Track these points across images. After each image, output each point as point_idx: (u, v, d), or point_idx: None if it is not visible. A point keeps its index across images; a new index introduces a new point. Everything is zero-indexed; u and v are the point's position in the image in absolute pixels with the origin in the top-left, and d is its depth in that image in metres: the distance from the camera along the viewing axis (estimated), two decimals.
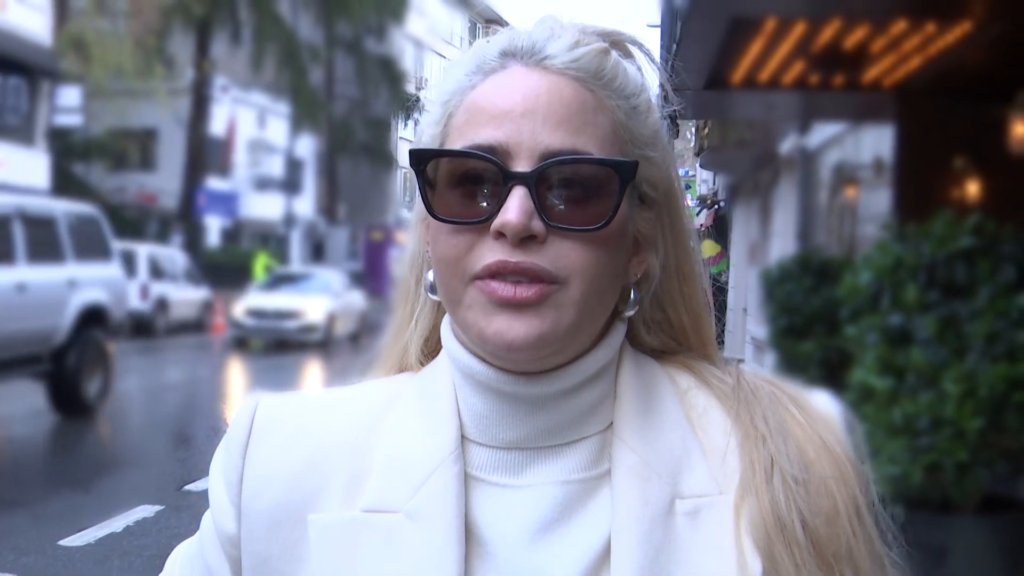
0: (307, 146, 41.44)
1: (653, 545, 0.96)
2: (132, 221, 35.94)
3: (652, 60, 1.08)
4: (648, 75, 1.08)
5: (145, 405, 14.53)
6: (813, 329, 9.09)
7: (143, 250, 27.51)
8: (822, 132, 14.24)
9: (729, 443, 1.02)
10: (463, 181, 0.98)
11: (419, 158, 1.00)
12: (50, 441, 11.73)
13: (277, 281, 26.73)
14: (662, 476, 0.99)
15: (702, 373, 1.08)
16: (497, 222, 0.94)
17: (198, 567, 1.09)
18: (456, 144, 0.99)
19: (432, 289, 1.05)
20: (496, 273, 0.95)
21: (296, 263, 37.16)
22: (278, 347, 23.71)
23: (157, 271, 26.96)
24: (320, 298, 24.42)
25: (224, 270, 32.00)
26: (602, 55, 1.02)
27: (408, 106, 1.15)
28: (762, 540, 0.97)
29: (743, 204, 22.81)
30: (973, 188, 9.03)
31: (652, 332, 1.09)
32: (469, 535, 0.98)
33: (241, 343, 24.21)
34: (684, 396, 1.06)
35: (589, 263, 0.96)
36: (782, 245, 16.73)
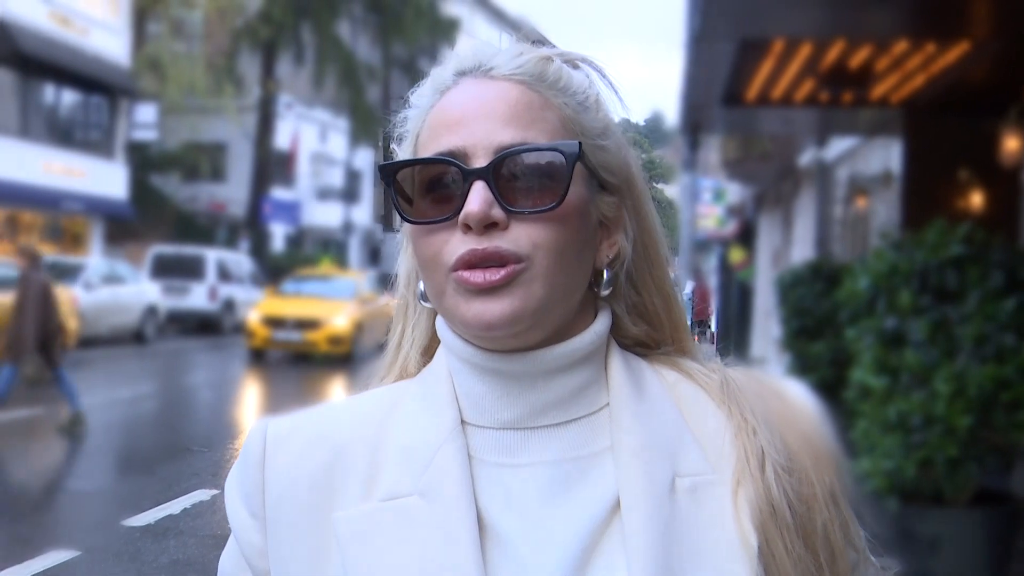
0: (365, 158, 41.65)
1: (663, 517, 0.97)
2: (203, 228, 36.31)
3: (603, 76, 1.09)
4: (604, 93, 1.09)
5: (209, 396, 14.66)
6: (823, 331, 9.03)
7: (212, 255, 27.81)
8: (838, 145, 14.14)
9: (723, 433, 1.02)
10: (432, 187, 1.00)
11: (386, 172, 1.02)
12: (121, 428, 11.87)
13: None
14: (662, 455, 1.00)
15: (686, 368, 1.08)
16: (462, 215, 0.96)
17: None
18: (423, 156, 1.01)
19: (424, 297, 1.06)
20: (468, 262, 0.97)
21: (355, 267, 37.34)
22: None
23: (225, 274, 27.23)
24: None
25: (287, 273, 32.23)
26: (544, 61, 1.04)
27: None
28: (757, 520, 0.98)
29: (767, 213, 22.75)
30: (976, 199, 8.93)
31: (633, 319, 1.09)
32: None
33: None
34: (672, 388, 1.06)
35: (549, 239, 0.98)
36: (802, 252, 16.63)
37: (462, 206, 0.97)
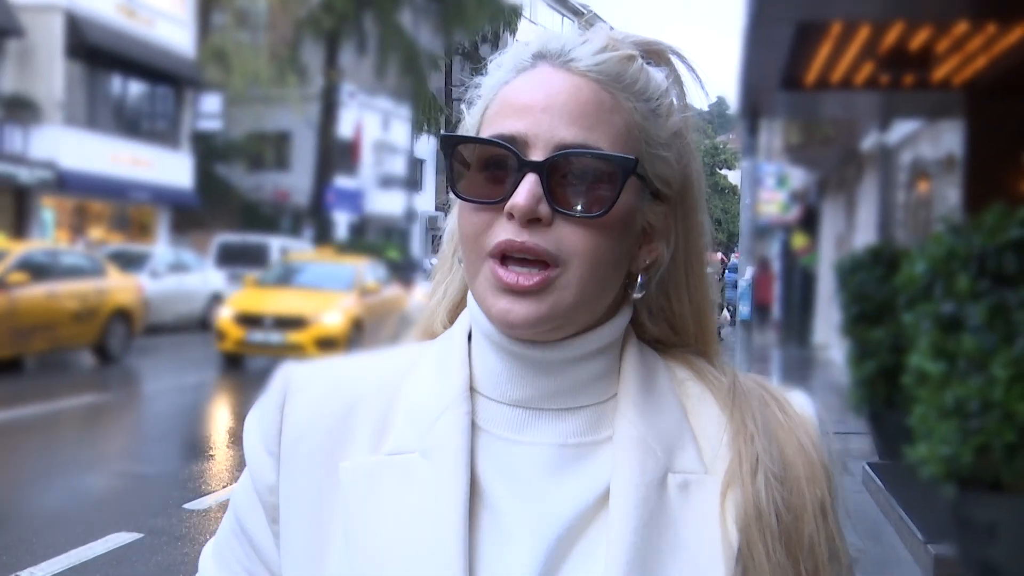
0: (427, 147, 41.69)
1: (648, 510, 1.00)
2: (268, 216, 36.66)
3: (691, 68, 1.10)
4: (688, 82, 1.10)
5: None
6: (883, 317, 8.92)
7: (276, 243, 28.07)
8: (900, 129, 13.92)
9: (722, 435, 1.05)
10: (487, 166, 1.02)
11: (447, 143, 1.04)
12: (186, 414, 12.07)
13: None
14: (658, 451, 1.03)
15: (698, 367, 1.11)
16: (509, 203, 0.98)
17: (235, 543, 1.13)
18: (487, 132, 1.03)
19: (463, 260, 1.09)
20: (504, 251, 0.99)
21: (418, 254, 37.42)
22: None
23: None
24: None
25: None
26: (626, 61, 1.04)
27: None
28: (742, 523, 1.00)
29: (831, 199, 22.50)
30: None
31: (654, 319, 1.12)
32: (472, 479, 1.02)
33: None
34: (680, 385, 1.09)
35: (589, 247, 0.99)
36: (865, 237, 16.41)
37: (511, 193, 0.99)
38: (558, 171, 0.99)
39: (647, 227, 1.06)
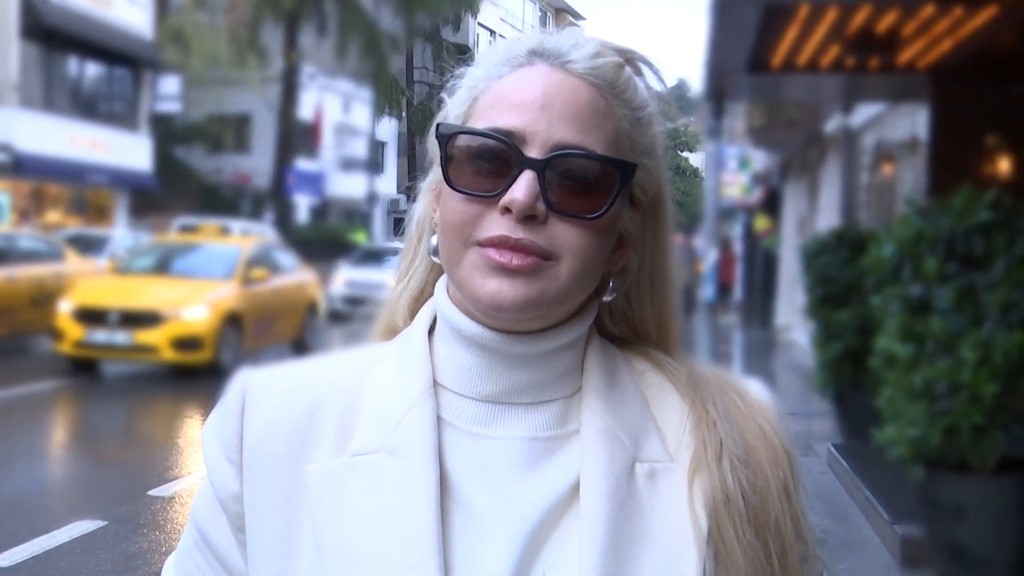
0: (389, 129, 41.54)
1: (619, 498, 1.01)
2: (227, 199, 36.40)
3: (661, 79, 1.13)
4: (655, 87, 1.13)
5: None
6: (848, 299, 8.98)
7: (237, 226, 27.78)
8: (864, 112, 14.01)
9: (685, 424, 1.07)
10: (480, 157, 1.02)
11: (443, 132, 1.04)
12: (144, 399, 11.96)
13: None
14: (625, 441, 1.04)
15: (656, 359, 1.13)
16: (506, 198, 0.99)
17: (197, 555, 1.12)
18: (479, 124, 1.03)
19: (434, 252, 1.09)
20: (498, 244, 0.99)
21: (379, 238, 37.29)
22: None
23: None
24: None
25: (312, 245, 32.26)
26: (618, 68, 1.06)
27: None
28: (710, 507, 1.02)
29: (793, 181, 22.62)
30: (1004, 164, 8.84)
31: (615, 321, 1.14)
32: (441, 475, 1.03)
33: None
34: (640, 377, 1.11)
35: (580, 246, 1.01)
36: (828, 219, 16.53)
37: (506, 188, 0.99)
38: (554, 170, 1.00)
39: (623, 233, 1.08)
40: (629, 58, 1.09)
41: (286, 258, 16.41)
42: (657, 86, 1.12)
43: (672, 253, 1.14)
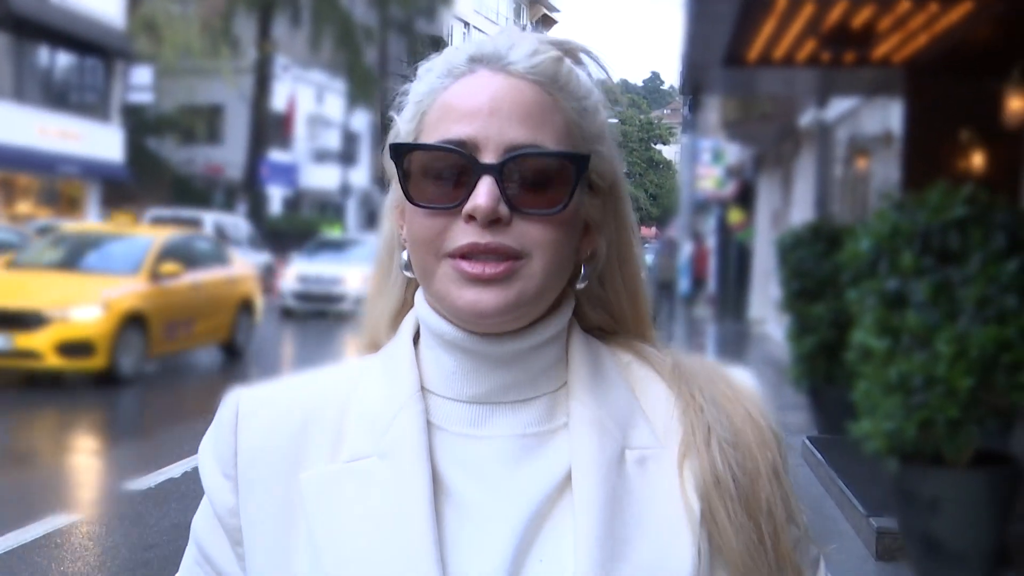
0: (362, 120, 41.45)
1: (611, 485, 1.03)
2: (200, 191, 36.24)
3: (601, 66, 1.14)
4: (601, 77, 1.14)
5: (206, 359, 14.65)
6: (823, 292, 9.03)
7: (210, 218, 27.72)
8: (838, 106, 14.07)
9: (672, 411, 1.09)
10: (437, 170, 1.04)
11: (398, 151, 1.06)
12: (120, 393, 11.88)
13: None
14: (614, 430, 1.06)
15: (641, 350, 1.14)
16: (468, 206, 1.00)
17: (199, 573, 1.14)
18: (430, 138, 1.05)
19: (407, 267, 1.11)
20: (468, 253, 1.01)
21: (352, 230, 37.20)
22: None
23: (223, 237, 27.16)
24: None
25: (285, 236, 32.18)
26: (557, 62, 1.07)
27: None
28: (702, 490, 1.04)
29: (767, 174, 22.69)
30: (978, 160, 8.89)
31: (593, 308, 1.16)
32: (433, 477, 1.04)
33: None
34: (626, 368, 1.13)
35: (548, 240, 1.03)
36: (802, 212, 16.59)
37: (467, 196, 1.01)
38: (511, 172, 1.02)
39: (588, 220, 1.10)
40: (567, 49, 1.11)
41: (214, 249, 14.91)
42: (600, 74, 1.13)
43: (635, 233, 1.16)
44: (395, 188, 1.11)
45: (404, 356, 1.11)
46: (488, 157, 1.01)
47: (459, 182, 1.02)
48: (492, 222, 1.00)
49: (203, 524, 1.13)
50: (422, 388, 1.09)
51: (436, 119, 1.05)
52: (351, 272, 21.41)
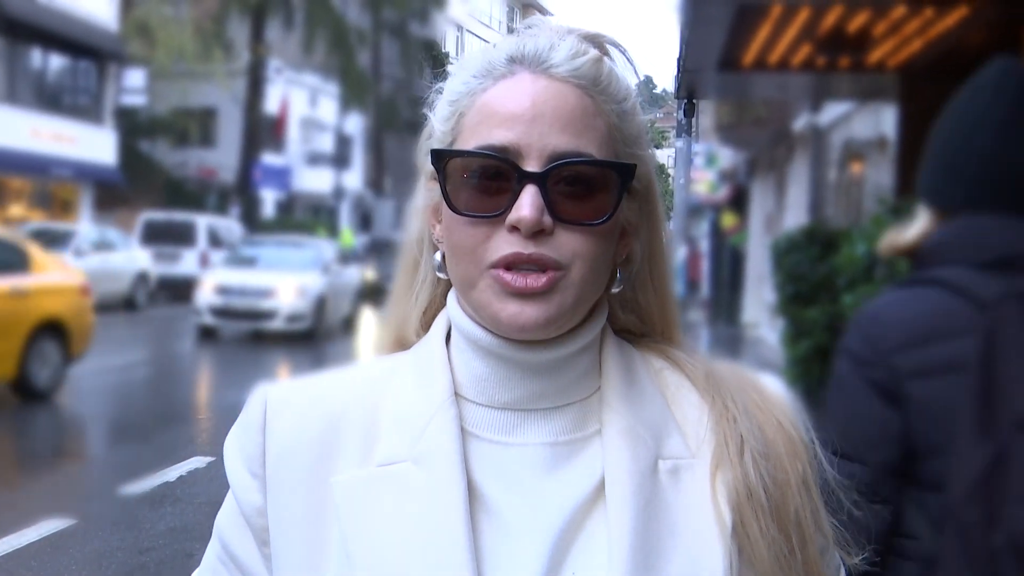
0: (355, 124, 41.46)
1: (644, 496, 1.02)
2: (193, 194, 36.19)
3: (630, 60, 1.12)
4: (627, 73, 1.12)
5: (200, 363, 14.63)
6: (818, 296, 9.03)
7: (203, 221, 27.72)
8: (832, 111, 14.11)
9: (705, 421, 1.08)
10: (479, 178, 1.02)
11: (440, 156, 1.04)
12: (113, 396, 11.86)
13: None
14: (647, 439, 1.05)
15: (673, 357, 1.13)
16: (512, 217, 0.99)
17: (222, 570, 1.12)
18: (468, 141, 1.03)
19: (441, 269, 1.10)
20: (511, 263, 1.00)
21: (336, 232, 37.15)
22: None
23: (215, 240, 27.14)
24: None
25: None
26: (598, 63, 1.06)
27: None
28: (734, 502, 1.03)
29: (761, 178, 22.71)
30: None
31: (624, 310, 1.14)
32: (468, 486, 1.03)
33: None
34: (658, 375, 1.11)
35: (589, 251, 1.01)
36: (795, 216, 16.62)
37: (510, 205, 0.99)
38: (556, 180, 1.00)
39: (625, 223, 1.09)
40: (600, 44, 1.09)
41: (4, 254, 10.62)
42: (628, 68, 1.12)
43: (667, 233, 1.15)
44: (428, 188, 1.09)
45: (437, 358, 1.09)
46: (531, 165, 1.00)
47: (502, 190, 1.00)
48: (535, 232, 0.99)
49: (228, 522, 1.11)
50: (455, 393, 1.07)
51: (476, 122, 1.03)
52: (284, 283, 16.75)
